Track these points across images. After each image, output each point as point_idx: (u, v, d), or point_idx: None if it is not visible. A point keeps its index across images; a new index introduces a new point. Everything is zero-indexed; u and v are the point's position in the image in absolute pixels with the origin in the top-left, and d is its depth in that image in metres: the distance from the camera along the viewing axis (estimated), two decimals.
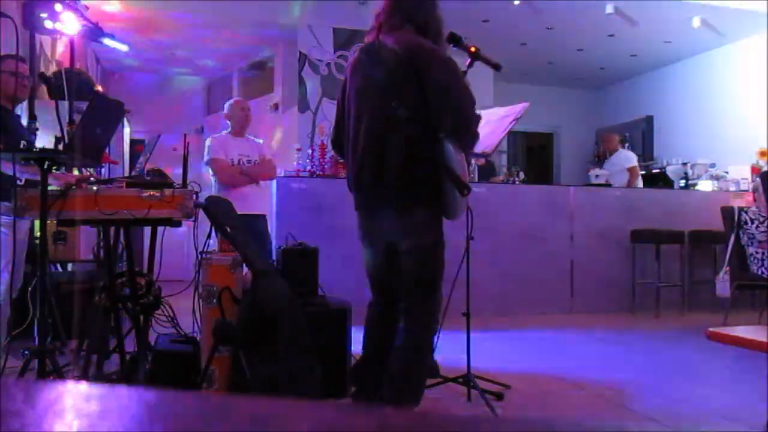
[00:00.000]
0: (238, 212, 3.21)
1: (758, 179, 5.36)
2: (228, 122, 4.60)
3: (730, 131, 7.83)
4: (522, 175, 6.66)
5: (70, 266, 4.47)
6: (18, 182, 2.55)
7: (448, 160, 2.31)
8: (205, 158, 4.43)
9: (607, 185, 6.39)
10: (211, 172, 4.46)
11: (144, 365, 2.83)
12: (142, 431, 0.39)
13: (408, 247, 2.42)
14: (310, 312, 2.88)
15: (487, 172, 6.34)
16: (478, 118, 2.41)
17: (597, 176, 6.53)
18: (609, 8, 6.75)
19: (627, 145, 8.02)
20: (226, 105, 4.65)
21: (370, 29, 2.55)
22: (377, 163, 2.38)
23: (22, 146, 2.44)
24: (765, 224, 4.89)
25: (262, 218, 4.56)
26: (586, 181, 6.89)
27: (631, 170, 6.81)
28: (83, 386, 0.44)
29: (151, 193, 2.47)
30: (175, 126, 8.31)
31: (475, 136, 2.41)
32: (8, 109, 3.16)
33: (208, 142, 4.51)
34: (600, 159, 9.88)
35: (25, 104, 3.59)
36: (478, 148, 2.84)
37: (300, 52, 7.04)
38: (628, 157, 7.01)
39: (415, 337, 2.43)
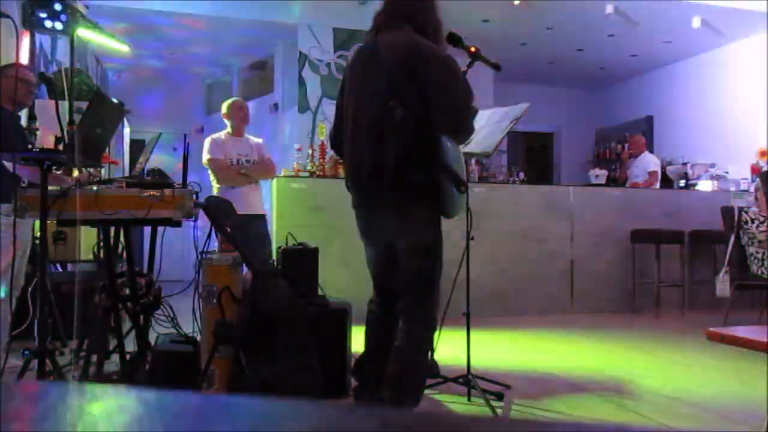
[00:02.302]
0: (238, 212, 3.21)
1: (759, 179, 5.37)
2: (226, 122, 4.60)
3: (730, 131, 7.83)
4: (522, 175, 6.66)
5: (70, 266, 4.47)
6: (21, 183, 2.55)
7: (445, 158, 2.31)
8: (204, 158, 4.43)
9: (607, 185, 6.37)
10: (210, 172, 4.46)
11: (144, 365, 2.83)
12: (142, 431, 0.39)
13: (406, 246, 2.42)
14: (310, 312, 2.88)
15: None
16: (475, 111, 2.41)
17: (597, 176, 6.53)
18: (609, 8, 6.75)
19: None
20: (224, 105, 4.64)
21: (369, 29, 2.55)
22: (375, 162, 2.38)
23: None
24: (765, 224, 4.89)
25: (261, 218, 4.56)
26: (586, 181, 6.88)
27: (651, 174, 6.82)
28: (83, 386, 0.45)
29: (151, 193, 2.47)
30: (175, 126, 8.31)
31: (471, 131, 2.42)
32: (8, 110, 3.17)
33: (206, 142, 4.50)
34: (600, 158, 9.92)
35: None
36: (479, 148, 2.84)
37: (300, 52, 7.04)
38: (651, 162, 7.00)
39: (415, 337, 2.43)
